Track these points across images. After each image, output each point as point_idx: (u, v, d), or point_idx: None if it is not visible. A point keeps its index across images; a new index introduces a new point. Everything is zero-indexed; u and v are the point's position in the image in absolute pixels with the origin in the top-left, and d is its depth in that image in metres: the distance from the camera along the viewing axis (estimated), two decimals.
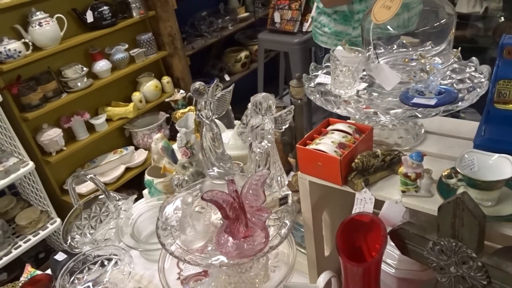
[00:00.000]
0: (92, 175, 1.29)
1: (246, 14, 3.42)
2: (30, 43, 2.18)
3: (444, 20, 0.84)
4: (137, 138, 2.76)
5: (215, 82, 0.93)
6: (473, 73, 0.88)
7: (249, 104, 0.88)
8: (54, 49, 2.25)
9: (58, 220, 2.23)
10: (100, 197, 1.40)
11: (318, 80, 0.95)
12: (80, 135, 2.48)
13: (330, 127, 0.90)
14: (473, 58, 0.91)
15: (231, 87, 0.96)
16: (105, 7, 2.45)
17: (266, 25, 3.00)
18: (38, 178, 2.18)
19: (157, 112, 2.88)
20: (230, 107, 2.10)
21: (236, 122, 1.42)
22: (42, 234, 2.15)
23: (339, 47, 0.87)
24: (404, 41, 0.98)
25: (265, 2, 3.53)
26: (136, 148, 2.75)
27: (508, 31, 3.07)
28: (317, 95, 0.87)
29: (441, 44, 0.86)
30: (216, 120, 0.98)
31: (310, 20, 2.60)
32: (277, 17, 2.83)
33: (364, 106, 0.83)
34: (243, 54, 3.37)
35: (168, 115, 2.85)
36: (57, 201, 2.39)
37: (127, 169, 2.61)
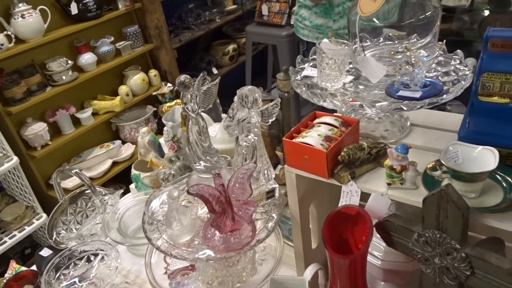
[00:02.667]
0: (77, 170, 1.27)
1: (234, 6, 3.39)
2: (13, 36, 2.13)
3: (430, 12, 0.85)
4: (124, 132, 2.74)
5: (201, 75, 0.92)
6: (458, 66, 0.89)
7: (235, 97, 0.87)
8: (37, 42, 2.21)
9: (44, 216, 2.20)
10: (86, 192, 1.38)
11: (304, 73, 0.94)
12: (66, 129, 2.44)
13: (316, 120, 0.90)
14: (458, 50, 0.91)
15: (217, 80, 0.95)
16: None
17: (254, 17, 2.98)
18: (23, 173, 2.15)
19: (144, 105, 2.85)
20: (218, 100, 2.09)
21: (224, 115, 1.41)
22: (27, 229, 2.13)
23: (325, 40, 0.86)
24: (390, 34, 0.98)
25: None
26: (123, 142, 2.72)
27: (494, 24, 3.10)
28: (304, 88, 0.87)
29: (426, 37, 0.86)
30: (202, 114, 0.98)
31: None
32: (265, 9, 2.81)
33: (351, 99, 0.83)
34: (231, 47, 3.35)
35: (155, 109, 2.82)
36: (43, 196, 2.35)
37: (114, 163, 2.59)
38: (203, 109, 0.95)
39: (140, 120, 2.73)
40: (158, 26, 2.77)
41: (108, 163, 2.55)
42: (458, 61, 0.90)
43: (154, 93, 2.78)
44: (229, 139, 1.28)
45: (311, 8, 1.67)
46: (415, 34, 0.88)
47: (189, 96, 0.91)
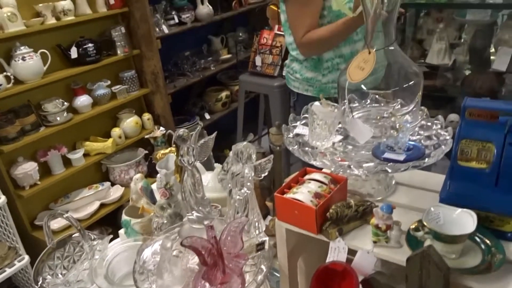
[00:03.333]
0: (68, 214, 1.28)
1: (229, 55, 3.53)
2: (12, 77, 2.18)
3: (412, 81, 0.92)
4: (114, 174, 2.74)
5: (198, 128, 0.97)
6: (439, 130, 0.95)
7: (231, 152, 0.92)
8: (35, 83, 2.25)
9: (27, 257, 2.16)
10: (74, 235, 1.38)
11: (296, 130, 1.00)
12: (56, 169, 2.44)
13: (307, 176, 0.94)
14: (439, 116, 0.98)
15: (213, 135, 1.00)
16: (90, 44, 2.49)
17: (247, 66, 3.10)
18: (9, 213, 2.13)
19: (136, 148, 2.88)
20: (213, 141, 2.13)
21: (216, 165, 1.45)
22: (8, 271, 2.07)
23: (316, 103, 0.92)
24: (377, 96, 1.05)
25: (246, 45, 3.65)
26: (113, 184, 2.72)
27: (475, 82, 3.28)
28: (295, 146, 0.92)
29: (410, 104, 0.93)
30: (197, 164, 1.01)
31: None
32: (258, 60, 2.93)
33: (339, 159, 0.88)
34: (224, 94, 3.45)
35: (146, 152, 2.85)
36: (27, 237, 2.31)
37: (102, 205, 2.57)
38: (199, 161, 0.99)
39: (131, 162, 2.74)
40: (154, 72, 2.86)
41: (96, 204, 2.53)
42: (439, 126, 0.96)
43: (146, 136, 2.83)
44: (221, 188, 1.31)
45: (302, 62, 1.76)
46: (399, 100, 0.95)
47: (186, 148, 0.96)
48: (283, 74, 2.86)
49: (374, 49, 0.88)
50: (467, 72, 3.32)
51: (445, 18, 3.41)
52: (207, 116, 3.33)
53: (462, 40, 3.33)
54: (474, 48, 3.22)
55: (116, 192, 2.66)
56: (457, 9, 3.28)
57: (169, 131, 2.87)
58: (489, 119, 0.83)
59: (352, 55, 1.58)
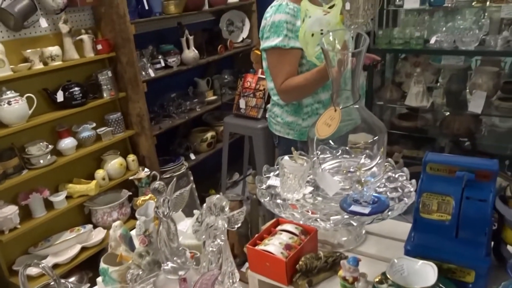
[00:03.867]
0: (44, 265, 1.27)
1: (214, 97, 3.60)
2: None
3: (377, 137, 0.97)
4: (97, 216, 2.72)
5: (173, 181, 1.00)
6: (405, 182, 1.00)
7: (204, 204, 0.94)
8: (20, 127, 2.28)
9: None
10: (51, 284, 1.37)
11: (269, 182, 1.04)
12: (37, 212, 2.42)
13: (279, 227, 0.97)
14: (405, 168, 1.03)
15: (188, 187, 1.03)
16: (76, 88, 2.54)
17: (232, 108, 3.17)
18: None
19: (120, 189, 2.88)
20: (194, 186, 2.15)
21: (195, 212, 1.47)
22: None
23: (286, 157, 0.97)
24: (347, 148, 1.10)
25: (232, 87, 3.75)
26: (95, 227, 2.70)
27: (453, 123, 3.40)
28: (267, 198, 0.96)
29: (374, 158, 0.98)
30: (175, 214, 1.04)
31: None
32: (242, 103, 3.01)
33: (309, 212, 0.92)
34: (209, 134, 3.50)
35: (130, 193, 2.85)
36: (4, 283, 2.26)
37: (83, 249, 2.54)
38: (174, 212, 1.01)
39: (114, 204, 2.73)
40: (140, 114, 2.91)
41: (77, 248, 2.50)
42: (405, 178, 1.01)
43: (130, 178, 2.82)
44: None
45: (283, 107, 1.83)
46: (366, 152, 1.00)
47: (161, 200, 0.98)
48: (266, 116, 2.95)
49: (340, 107, 0.94)
50: (446, 114, 3.44)
51: (422, 62, 3.58)
52: (192, 157, 3.36)
53: (439, 84, 3.48)
54: (450, 91, 3.36)
55: (98, 234, 2.64)
56: (432, 54, 3.44)
57: (154, 172, 2.89)
58: (447, 173, 0.88)
59: (330, 101, 1.66)
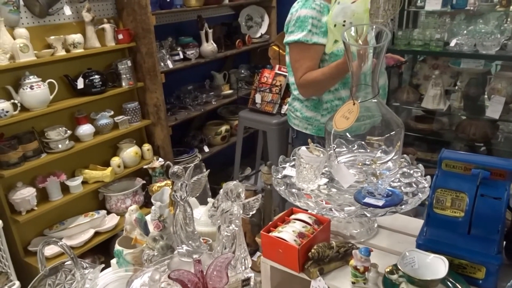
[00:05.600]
0: (62, 243, 1.32)
1: (230, 91, 3.63)
2: (19, 104, 2.26)
3: (394, 132, 0.98)
4: (111, 203, 2.78)
5: (191, 166, 1.03)
6: (419, 178, 1.01)
7: (221, 190, 0.97)
8: (41, 111, 2.33)
9: (17, 283, 2.15)
10: (66, 263, 1.41)
11: (285, 172, 1.06)
12: (54, 195, 2.48)
13: (293, 216, 0.99)
14: (420, 165, 1.04)
15: (206, 173, 1.06)
16: (96, 76, 2.59)
17: (247, 102, 3.19)
18: (4, 237, 2.15)
19: (134, 178, 2.93)
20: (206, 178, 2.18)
21: (210, 199, 1.49)
22: None
23: (303, 148, 0.99)
24: (363, 143, 1.11)
25: (248, 82, 3.77)
26: (108, 213, 2.75)
27: (469, 128, 3.36)
28: (282, 187, 0.98)
29: (390, 153, 0.99)
30: (190, 199, 1.07)
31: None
32: (258, 98, 3.03)
33: (323, 201, 0.93)
34: (223, 128, 3.53)
35: (144, 182, 2.89)
36: (19, 262, 2.33)
37: (96, 233, 2.59)
38: (191, 197, 1.04)
39: (128, 192, 2.78)
40: (156, 104, 2.95)
41: (90, 232, 2.55)
42: (419, 174, 1.02)
43: (145, 167, 2.88)
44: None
45: (302, 102, 1.84)
46: (382, 148, 1.01)
47: (179, 184, 1.01)
48: (282, 112, 2.97)
49: (359, 101, 0.95)
50: (463, 118, 3.41)
51: (441, 65, 3.55)
52: (206, 149, 3.39)
53: (457, 87, 3.44)
54: (468, 95, 3.32)
55: (111, 220, 2.69)
56: (451, 57, 3.40)
57: (168, 162, 2.93)
58: (463, 171, 0.89)
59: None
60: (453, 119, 3.55)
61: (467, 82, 3.34)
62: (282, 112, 2.97)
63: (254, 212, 0.99)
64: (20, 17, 2.26)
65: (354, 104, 0.94)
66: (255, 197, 0.98)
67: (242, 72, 3.83)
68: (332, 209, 0.88)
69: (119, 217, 2.72)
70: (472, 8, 3.12)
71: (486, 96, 3.24)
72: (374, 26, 1.14)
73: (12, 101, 2.23)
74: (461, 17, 3.38)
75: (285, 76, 2.95)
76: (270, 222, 0.96)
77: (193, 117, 3.30)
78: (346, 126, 0.92)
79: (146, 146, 2.96)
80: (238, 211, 0.96)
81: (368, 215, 0.86)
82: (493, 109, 3.13)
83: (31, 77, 2.30)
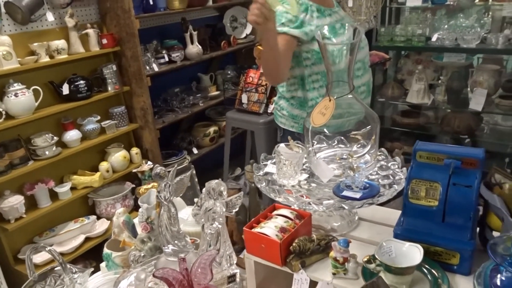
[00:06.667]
0: (50, 248, 1.32)
1: (217, 92, 3.65)
2: (4, 112, 2.25)
3: (369, 126, 1.01)
4: (100, 207, 2.78)
5: (174, 167, 1.05)
6: (396, 170, 1.04)
7: (204, 189, 0.99)
8: (26, 119, 2.32)
9: None
10: (56, 269, 1.41)
11: (266, 169, 1.08)
12: (42, 202, 2.48)
13: (275, 212, 1.02)
14: (397, 157, 1.07)
15: (189, 172, 1.08)
16: (81, 81, 2.58)
17: (234, 104, 3.22)
18: None
19: (123, 182, 2.93)
20: (196, 180, 2.21)
21: (196, 200, 1.51)
22: None
23: (282, 145, 1.01)
24: (342, 138, 1.14)
25: (235, 83, 3.79)
26: (98, 218, 2.75)
27: (454, 121, 3.42)
28: (264, 184, 1.00)
29: (366, 146, 1.02)
30: (177, 198, 1.08)
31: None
32: (244, 98, 3.05)
33: (304, 196, 0.96)
34: (212, 129, 3.54)
35: (134, 185, 2.90)
36: (9, 271, 2.32)
37: (87, 239, 2.59)
38: (175, 197, 1.06)
39: (118, 196, 2.79)
40: (143, 108, 2.95)
41: (81, 238, 2.55)
42: (397, 166, 1.05)
43: (134, 171, 2.87)
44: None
45: (288, 100, 1.86)
46: (361, 142, 1.04)
47: (163, 185, 1.03)
48: (269, 111, 2.99)
49: (334, 97, 0.98)
50: (447, 111, 3.47)
51: (424, 60, 3.60)
52: (195, 151, 3.41)
53: (440, 81, 3.50)
54: (451, 89, 3.38)
55: (101, 225, 2.69)
56: (434, 52, 3.46)
57: (157, 165, 2.94)
58: (436, 161, 0.92)
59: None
60: (437, 112, 3.61)
61: (450, 75, 3.40)
62: (269, 111, 2.99)
63: (236, 209, 1.01)
64: (2, 24, 2.26)
65: (330, 100, 0.97)
66: (237, 194, 1.00)
67: (229, 73, 3.85)
68: (311, 203, 0.91)
69: (109, 221, 2.72)
70: (452, 2, 3.18)
71: (469, 89, 3.30)
72: (348, 24, 1.17)
73: None
74: (442, 12, 3.44)
75: None
76: (253, 219, 0.98)
77: (181, 119, 3.31)
78: (323, 122, 0.94)
79: (135, 150, 2.97)
80: (221, 209, 0.98)
81: (346, 207, 0.89)
82: (476, 102, 3.20)
83: (15, 84, 2.29)
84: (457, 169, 0.88)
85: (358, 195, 0.91)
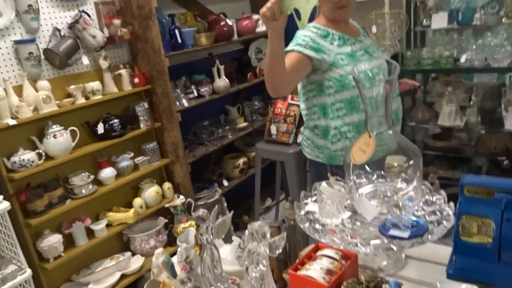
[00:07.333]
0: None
1: (245, 123, 3.68)
2: (43, 153, 2.34)
3: (412, 161, 0.99)
4: (135, 244, 2.80)
5: (215, 209, 1.05)
6: (442, 205, 1.00)
7: (246, 230, 0.98)
8: (64, 159, 2.40)
9: None
10: None
11: (307, 208, 1.07)
12: (80, 240, 2.52)
13: (319, 252, 0.99)
14: (442, 191, 1.04)
15: (230, 214, 1.07)
16: (115, 120, 2.66)
17: (263, 133, 3.23)
18: (33, 286, 2.18)
19: (156, 217, 2.95)
20: (227, 212, 2.19)
21: (234, 238, 1.50)
22: None
23: (324, 183, 1.00)
24: (383, 172, 1.12)
25: (262, 113, 3.82)
26: (133, 254, 2.77)
27: (489, 142, 3.32)
28: (307, 224, 0.98)
29: (412, 182, 0.99)
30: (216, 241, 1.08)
31: None
32: (273, 129, 3.06)
33: (348, 236, 0.94)
34: (241, 161, 3.55)
35: (166, 220, 2.92)
36: None
37: (123, 276, 2.60)
38: (217, 239, 1.05)
39: (151, 232, 2.80)
40: (174, 143, 3.00)
41: (117, 275, 2.57)
42: (442, 201, 1.02)
43: (166, 205, 2.91)
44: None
45: (312, 130, 1.86)
46: (402, 177, 1.01)
47: (205, 227, 1.03)
48: (298, 141, 2.99)
49: (374, 133, 0.97)
50: (481, 132, 3.37)
51: (453, 81, 3.54)
52: (225, 183, 3.41)
53: (472, 102, 3.42)
54: (484, 109, 3.30)
55: (136, 262, 2.70)
56: (463, 73, 3.40)
57: (189, 199, 2.96)
58: (486, 195, 0.89)
59: (360, 123, 1.68)
60: (471, 134, 3.51)
61: (482, 96, 3.32)
62: (298, 141, 2.99)
63: (280, 251, 0.99)
64: (41, 70, 2.37)
65: (370, 136, 0.96)
66: (280, 236, 0.98)
67: (256, 104, 3.89)
68: (358, 244, 0.88)
69: (144, 257, 2.74)
70: (478, 22, 3.14)
71: (503, 108, 3.21)
72: (383, 58, 1.17)
73: (37, 151, 2.31)
74: (469, 32, 3.40)
75: (298, 105, 2.99)
76: (297, 260, 0.96)
77: (211, 152, 3.34)
78: (364, 159, 0.93)
79: (167, 185, 3.00)
80: (264, 251, 0.96)
81: (395, 248, 0.86)
82: None
83: (54, 126, 2.38)
84: (509, 203, 0.85)
85: (406, 234, 0.88)
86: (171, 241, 2.89)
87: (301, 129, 2.02)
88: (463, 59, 3.17)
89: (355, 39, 1.80)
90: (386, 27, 3.51)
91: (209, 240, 1.02)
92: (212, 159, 3.59)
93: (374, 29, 3.49)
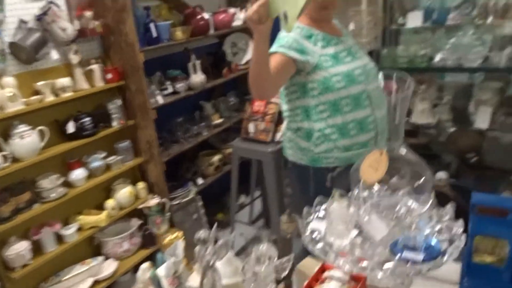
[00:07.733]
0: None
1: (220, 120, 3.59)
2: (9, 155, 2.17)
3: (422, 180, 0.96)
4: (107, 247, 2.67)
5: (214, 227, 0.98)
6: (449, 222, 0.98)
7: (253, 253, 0.92)
8: (32, 161, 2.24)
9: None
10: None
11: (312, 225, 1.02)
12: (48, 247, 2.36)
13: (326, 273, 0.95)
14: (448, 206, 1.02)
15: (233, 235, 1.01)
16: (87, 118, 2.51)
17: (238, 129, 3.16)
18: None
19: (129, 218, 2.83)
20: (202, 211, 2.12)
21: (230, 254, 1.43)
22: None
23: (334, 205, 0.95)
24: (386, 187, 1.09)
25: (237, 109, 3.75)
26: (106, 258, 2.64)
27: (459, 140, 3.41)
28: (316, 246, 0.94)
29: (425, 204, 0.96)
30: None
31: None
32: (251, 127, 3.00)
33: (358, 258, 0.90)
34: (216, 158, 3.47)
35: (142, 222, 2.81)
36: None
37: (95, 282, 2.48)
38: (218, 260, 0.99)
39: (125, 234, 2.69)
40: (149, 141, 2.88)
41: (89, 281, 2.45)
42: (448, 217, 1.00)
43: (140, 206, 2.79)
44: (233, 273, 1.30)
45: (295, 132, 1.83)
46: (413, 198, 0.98)
47: (205, 249, 0.96)
48: (276, 139, 2.94)
49: (385, 150, 0.93)
50: (452, 130, 3.45)
51: (427, 80, 3.60)
52: (200, 181, 3.33)
53: (444, 100, 3.50)
54: (455, 108, 3.38)
55: (109, 267, 2.58)
56: (437, 72, 3.47)
57: (164, 200, 2.86)
58: (498, 215, 0.87)
59: (343, 125, 1.67)
60: (442, 131, 3.60)
61: (453, 95, 3.40)
62: (277, 140, 2.94)
63: (286, 273, 0.94)
64: (6, 65, 2.19)
65: (381, 154, 0.92)
66: (286, 258, 0.93)
67: (231, 99, 3.81)
68: (371, 268, 0.85)
69: (117, 261, 2.63)
70: (452, 22, 3.19)
71: (473, 107, 3.29)
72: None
73: (2, 153, 2.14)
74: (442, 32, 3.45)
75: (277, 103, 2.94)
76: (306, 283, 0.92)
77: (186, 150, 3.24)
78: (377, 178, 0.89)
79: (140, 185, 2.88)
80: (270, 273, 0.91)
81: (411, 272, 0.83)
82: (481, 120, 3.19)
83: (20, 126, 2.21)
84: None
85: (420, 256, 0.85)
86: (145, 243, 2.80)
87: (283, 130, 1.98)
88: (437, 58, 3.22)
89: (338, 39, 1.77)
90: (363, 25, 3.51)
91: (210, 264, 0.95)
92: (187, 157, 3.49)
93: (352, 25, 3.48)
